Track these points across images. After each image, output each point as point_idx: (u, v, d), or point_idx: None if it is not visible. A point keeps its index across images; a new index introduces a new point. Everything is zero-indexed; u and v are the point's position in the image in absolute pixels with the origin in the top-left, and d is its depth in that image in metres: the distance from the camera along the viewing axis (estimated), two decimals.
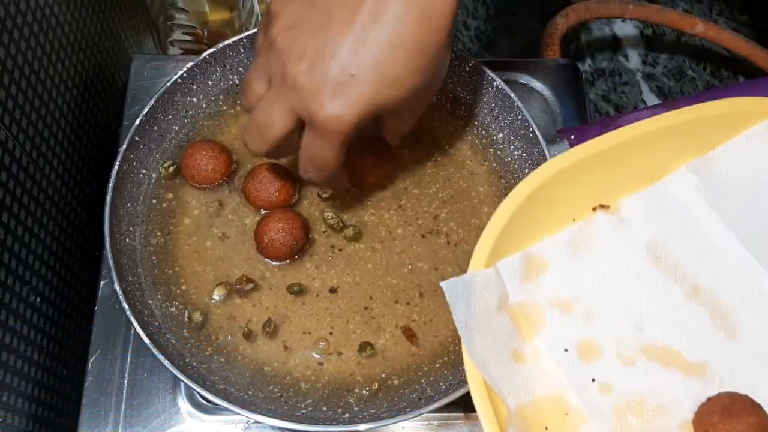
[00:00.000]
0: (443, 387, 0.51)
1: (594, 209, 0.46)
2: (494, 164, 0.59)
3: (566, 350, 0.43)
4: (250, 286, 0.53)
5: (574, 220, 0.46)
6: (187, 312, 0.53)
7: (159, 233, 0.56)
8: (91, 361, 0.57)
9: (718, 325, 0.44)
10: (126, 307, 0.49)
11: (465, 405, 0.54)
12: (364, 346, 0.52)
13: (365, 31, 0.41)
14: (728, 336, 0.44)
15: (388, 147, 0.55)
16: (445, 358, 0.52)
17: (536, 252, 0.44)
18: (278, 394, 0.51)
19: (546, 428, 0.40)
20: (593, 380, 0.42)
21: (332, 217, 0.55)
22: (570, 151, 0.44)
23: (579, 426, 0.41)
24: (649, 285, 0.45)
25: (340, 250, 0.55)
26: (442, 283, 0.40)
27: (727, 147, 0.47)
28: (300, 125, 0.45)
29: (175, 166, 0.57)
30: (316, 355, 0.52)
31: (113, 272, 0.51)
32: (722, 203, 0.46)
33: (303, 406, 0.50)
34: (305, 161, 0.46)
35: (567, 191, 0.44)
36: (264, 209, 0.56)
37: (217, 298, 0.53)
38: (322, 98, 0.41)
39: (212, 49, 0.59)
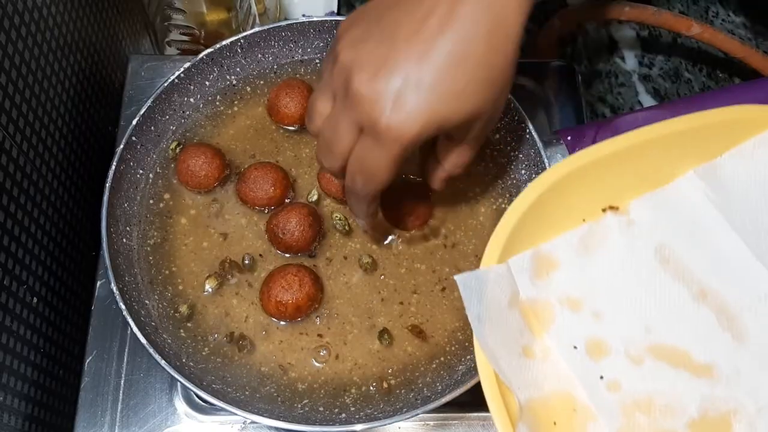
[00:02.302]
0: (440, 387, 0.51)
1: (604, 210, 0.47)
2: (491, 165, 0.59)
3: (575, 347, 0.43)
4: (234, 279, 0.54)
5: (584, 220, 0.46)
6: (179, 307, 0.53)
7: (156, 233, 0.56)
8: (87, 361, 0.57)
9: (725, 327, 0.44)
10: (123, 307, 0.49)
11: (461, 405, 0.55)
12: (383, 333, 0.52)
13: (431, 41, 0.39)
14: (735, 338, 0.44)
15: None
16: (442, 359, 0.52)
17: (547, 250, 0.45)
18: (275, 394, 0.51)
19: (555, 423, 0.41)
20: (601, 377, 0.43)
21: (339, 219, 0.56)
22: (581, 152, 0.45)
23: (587, 422, 0.42)
24: (658, 286, 0.45)
25: (337, 250, 0.55)
26: (456, 277, 0.41)
27: (734, 153, 0.47)
28: None
29: (182, 146, 0.58)
30: (313, 355, 0.52)
31: (110, 272, 0.51)
32: (729, 208, 0.47)
33: (300, 406, 0.50)
34: (355, 166, 0.44)
35: (577, 192, 0.45)
36: (263, 207, 0.56)
37: (209, 290, 0.53)
38: (383, 106, 0.40)
39: (209, 50, 0.60)
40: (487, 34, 0.40)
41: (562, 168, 0.44)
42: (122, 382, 0.56)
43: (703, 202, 0.47)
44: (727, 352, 0.44)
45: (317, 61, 0.63)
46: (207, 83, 0.61)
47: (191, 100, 0.60)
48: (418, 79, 0.39)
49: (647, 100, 0.87)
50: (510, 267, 0.43)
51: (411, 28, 0.40)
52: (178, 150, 0.58)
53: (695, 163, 0.47)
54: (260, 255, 0.55)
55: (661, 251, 0.46)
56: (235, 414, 0.47)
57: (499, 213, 0.57)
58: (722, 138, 0.47)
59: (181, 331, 0.52)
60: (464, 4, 0.39)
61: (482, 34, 0.40)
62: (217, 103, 0.61)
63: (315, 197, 0.57)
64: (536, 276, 0.44)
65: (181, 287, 0.54)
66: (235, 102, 0.61)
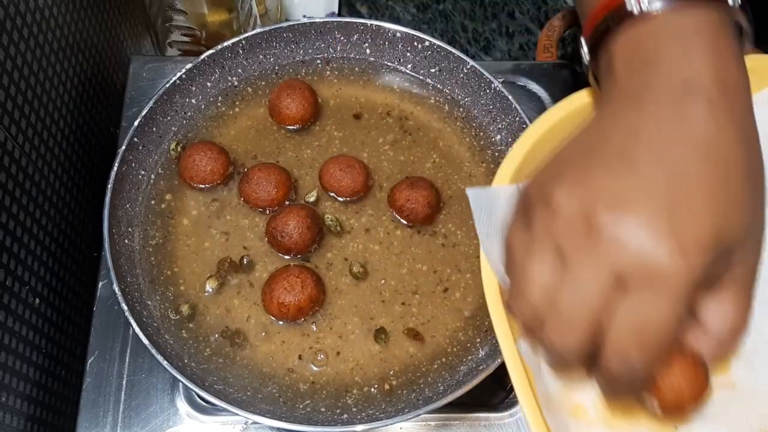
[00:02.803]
0: (441, 388, 0.51)
1: None
2: (492, 166, 0.59)
3: None
4: (235, 280, 0.54)
5: None
6: (180, 306, 0.53)
7: (157, 234, 0.56)
8: (89, 362, 0.57)
9: None
10: (125, 307, 0.49)
11: (463, 406, 0.55)
12: (379, 332, 0.52)
13: (678, 153, 0.33)
14: None
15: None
16: (443, 359, 0.52)
17: None
18: (276, 394, 0.51)
19: None
20: None
21: (331, 219, 0.56)
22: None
23: None
24: None
25: (338, 251, 0.56)
26: (468, 190, 0.41)
27: None
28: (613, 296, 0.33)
29: (182, 145, 0.58)
30: (314, 357, 0.52)
31: (112, 273, 0.51)
32: None
33: (301, 406, 0.50)
34: (627, 334, 0.33)
35: None
36: (267, 208, 0.56)
37: (210, 290, 0.53)
38: (657, 240, 0.31)
39: (211, 51, 0.60)
40: (740, 131, 0.34)
41: (581, 98, 0.44)
42: (124, 382, 0.56)
43: None
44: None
45: (318, 61, 0.63)
46: (208, 84, 0.61)
47: (193, 101, 0.60)
48: (686, 197, 0.32)
49: None
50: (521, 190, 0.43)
51: (643, 148, 0.33)
52: (179, 149, 0.58)
53: None
54: (261, 255, 0.55)
55: None
56: (237, 414, 0.47)
57: None
58: None
59: (183, 331, 0.52)
60: (696, 106, 0.34)
61: (733, 133, 0.34)
62: (219, 103, 0.61)
63: (313, 198, 0.57)
64: None
65: (182, 287, 0.54)
66: (237, 103, 0.61)
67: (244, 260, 0.54)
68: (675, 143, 0.33)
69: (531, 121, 0.57)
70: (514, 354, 0.38)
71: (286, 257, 0.55)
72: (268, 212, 0.56)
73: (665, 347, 0.33)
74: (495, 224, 0.41)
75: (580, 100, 0.44)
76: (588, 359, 0.35)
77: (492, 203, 0.41)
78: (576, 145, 0.37)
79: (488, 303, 0.39)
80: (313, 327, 0.53)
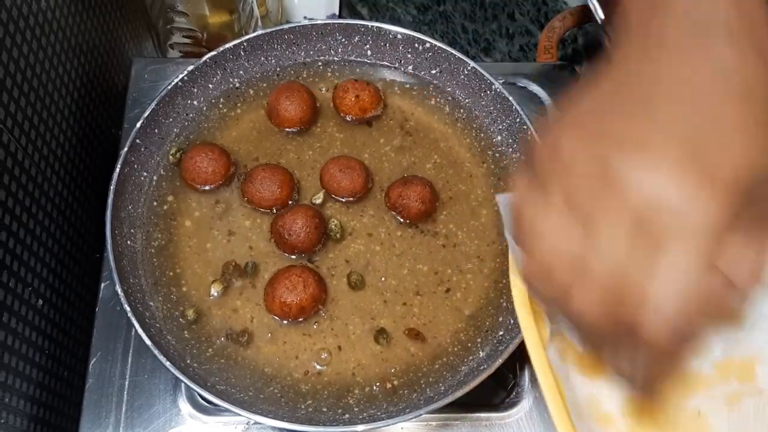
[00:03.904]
0: (442, 388, 0.51)
1: None
2: (492, 166, 0.60)
3: None
4: (238, 282, 0.54)
5: None
6: (185, 311, 0.53)
7: (160, 235, 0.56)
8: (91, 362, 0.57)
9: None
10: (127, 308, 0.50)
11: (464, 406, 0.55)
12: (380, 333, 0.53)
13: (700, 92, 0.30)
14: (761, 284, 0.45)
15: None
16: (444, 359, 0.53)
17: None
18: (278, 395, 0.51)
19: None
20: None
21: (335, 224, 0.56)
22: None
23: None
24: None
25: (340, 252, 0.56)
26: (498, 196, 0.40)
27: None
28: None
29: (182, 151, 0.58)
30: (316, 357, 0.52)
31: (115, 274, 0.51)
32: None
33: (303, 407, 0.50)
34: (670, 306, 0.29)
35: None
36: (269, 208, 0.56)
37: (215, 294, 0.54)
38: (681, 181, 0.28)
39: (213, 53, 0.60)
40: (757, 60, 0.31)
41: None
42: (126, 383, 0.56)
43: None
44: (752, 297, 0.43)
45: (320, 63, 0.63)
46: (210, 86, 0.61)
47: (194, 102, 0.61)
48: (712, 129, 0.29)
49: None
50: None
51: (663, 88, 0.31)
52: (178, 155, 0.58)
53: None
54: (264, 256, 0.55)
55: None
56: (239, 415, 0.48)
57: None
58: None
59: (186, 332, 0.53)
60: (716, 39, 0.31)
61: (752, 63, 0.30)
62: (220, 105, 0.61)
63: (320, 200, 0.57)
64: None
65: (185, 289, 0.54)
66: (238, 104, 0.62)
67: (249, 265, 0.54)
68: (696, 77, 0.30)
69: (531, 122, 0.57)
70: (544, 362, 0.38)
71: (290, 256, 0.55)
72: (273, 212, 0.56)
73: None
74: None
75: None
76: (621, 332, 0.31)
77: None
78: (588, 98, 0.33)
79: (517, 309, 0.39)
80: (315, 327, 0.53)
